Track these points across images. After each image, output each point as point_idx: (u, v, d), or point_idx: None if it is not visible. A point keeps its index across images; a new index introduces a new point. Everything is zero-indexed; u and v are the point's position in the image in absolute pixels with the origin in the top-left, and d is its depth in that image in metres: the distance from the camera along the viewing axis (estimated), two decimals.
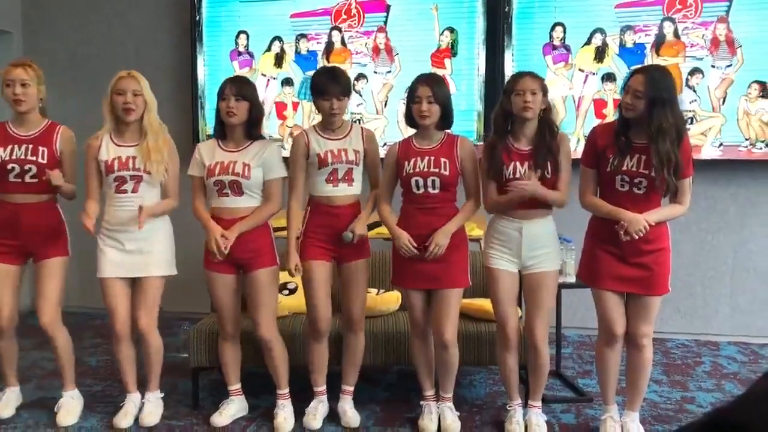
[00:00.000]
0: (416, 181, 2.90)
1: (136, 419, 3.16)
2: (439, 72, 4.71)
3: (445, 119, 2.95)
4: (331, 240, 3.03)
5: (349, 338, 3.16)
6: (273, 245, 3.10)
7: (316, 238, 3.04)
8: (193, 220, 3.08)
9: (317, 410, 3.14)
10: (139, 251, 3.07)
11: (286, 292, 3.54)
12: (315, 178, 3.05)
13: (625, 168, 2.75)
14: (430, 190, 2.90)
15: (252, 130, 3.03)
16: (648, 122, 2.67)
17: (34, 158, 3.03)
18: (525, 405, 3.11)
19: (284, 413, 3.11)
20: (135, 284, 3.11)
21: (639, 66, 2.90)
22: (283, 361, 3.12)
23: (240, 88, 2.96)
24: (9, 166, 3.01)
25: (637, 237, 2.69)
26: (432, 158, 2.91)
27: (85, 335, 4.67)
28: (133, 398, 3.22)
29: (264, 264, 3.03)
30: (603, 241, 2.84)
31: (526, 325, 3.00)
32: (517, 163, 2.86)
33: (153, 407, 3.21)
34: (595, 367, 3.12)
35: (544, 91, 2.87)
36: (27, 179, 3.03)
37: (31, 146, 3.04)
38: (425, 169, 2.89)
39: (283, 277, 3.55)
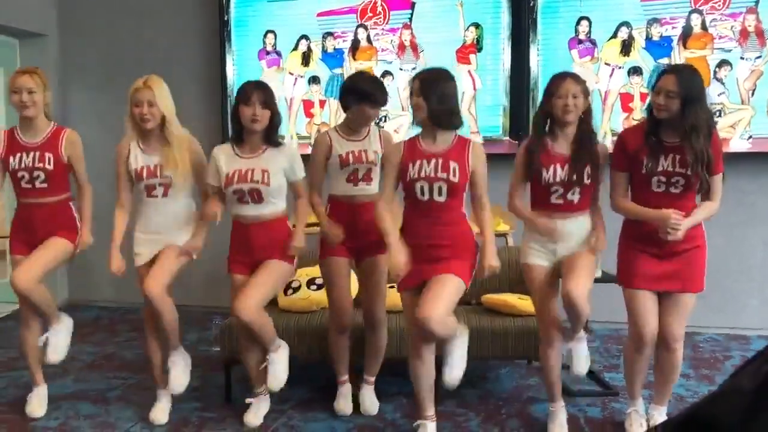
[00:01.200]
0: (421, 186, 2.70)
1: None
2: (464, 68, 4.75)
3: (439, 116, 2.70)
4: (351, 236, 3.09)
5: (371, 335, 3.23)
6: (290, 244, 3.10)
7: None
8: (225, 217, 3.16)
9: (347, 397, 3.25)
10: (164, 240, 3.14)
11: (314, 287, 3.60)
12: (336, 178, 3.12)
13: (661, 169, 2.74)
14: (436, 197, 2.70)
15: (270, 136, 3.04)
16: (681, 121, 2.67)
17: (41, 165, 3.16)
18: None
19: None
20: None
21: (666, 66, 2.90)
22: (268, 335, 3.08)
23: (266, 96, 2.98)
24: (19, 174, 3.17)
25: (676, 230, 2.68)
26: (440, 162, 2.71)
27: (120, 329, 4.80)
28: (165, 393, 3.29)
29: (280, 257, 3.05)
30: (637, 241, 2.84)
31: (562, 285, 2.86)
32: (558, 167, 2.83)
33: (181, 370, 3.22)
34: (623, 367, 3.10)
35: (586, 93, 2.85)
36: (37, 185, 3.17)
37: (38, 153, 3.16)
38: (432, 174, 2.70)
39: (313, 272, 3.63)
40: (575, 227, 2.90)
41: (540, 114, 2.94)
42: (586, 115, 2.87)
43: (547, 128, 2.89)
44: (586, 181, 2.82)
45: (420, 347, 2.79)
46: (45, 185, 3.18)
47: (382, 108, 3.07)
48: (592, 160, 2.84)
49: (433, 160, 2.71)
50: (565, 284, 2.82)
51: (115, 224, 3.16)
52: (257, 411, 3.17)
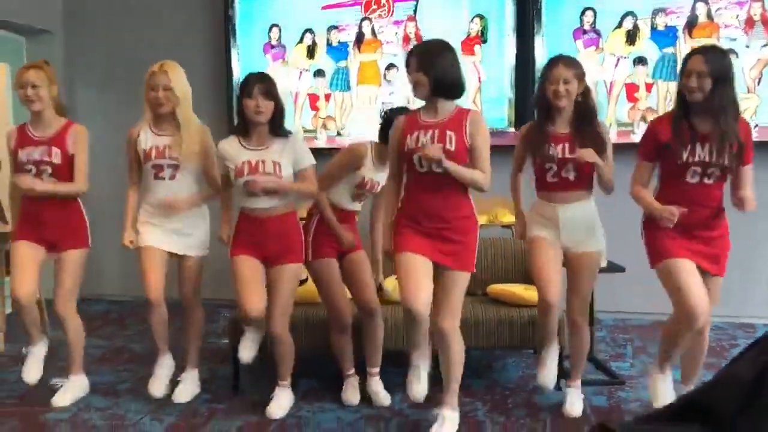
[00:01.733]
0: (419, 157, 2.65)
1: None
2: (469, 59, 4.75)
3: (443, 89, 2.68)
4: (335, 237, 3.21)
5: (369, 323, 3.27)
6: (301, 240, 3.15)
7: (326, 235, 3.19)
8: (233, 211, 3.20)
9: (354, 387, 3.31)
10: (179, 232, 3.24)
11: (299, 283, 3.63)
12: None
13: (698, 159, 2.68)
14: (434, 167, 2.62)
15: (276, 127, 3.06)
16: (710, 101, 2.62)
17: (48, 159, 3.19)
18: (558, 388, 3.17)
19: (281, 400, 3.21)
20: (177, 264, 3.31)
21: (694, 48, 2.79)
22: (290, 354, 3.18)
23: (268, 87, 3.00)
24: (27, 168, 3.20)
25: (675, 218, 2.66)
26: (437, 131, 2.67)
27: (129, 323, 4.85)
28: (165, 361, 3.38)
29: (291, 260, 3.09)
30: (664, 228, 2.76)
31: (566, 306, 3.01)
32: (552, 145, 2.88)
33: (189, 385, 3.38)
34: (661, 343, 2.95)
35: (579, 77, 2.87)
36: (45, 179, 3.20)
37: (46, 147, 3.20)
38: (428, 144, 2.65)
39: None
40: (577, 213, 2.92)
41: (537, 98, 2.98)
42: (584, 96, 2.90)
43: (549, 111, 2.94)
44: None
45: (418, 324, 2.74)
46: (53, 179, 3.21)
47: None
48: (592, 140, 2.85)
49: (431, 131, 2.67)
50: (569, 307, 3.00)
51: (128, 201, 3.28)
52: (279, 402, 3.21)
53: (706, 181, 2.71)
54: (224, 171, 3.11)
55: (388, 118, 3.04)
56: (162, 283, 3.24)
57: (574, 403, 3.08)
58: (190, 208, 3.23)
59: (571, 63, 2.89)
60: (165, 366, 3.40)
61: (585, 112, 2.91)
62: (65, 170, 3.23)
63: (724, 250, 2.82)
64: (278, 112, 3.05)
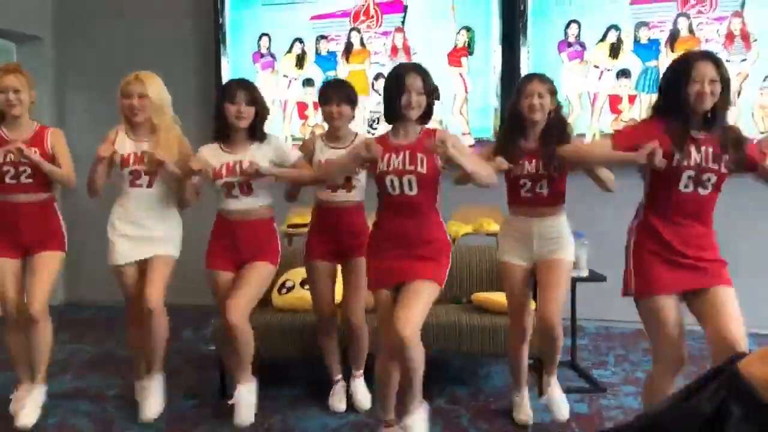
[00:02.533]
0: (391, 180, 2.65)
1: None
2: (456, 70, 4.83)
3: (428, 113, 2.74)
4: (334, 241, 3.22)
5: (350, 337, 3.34)
6: (277, 246, 3.18)
7: (321, 239, 3.24)
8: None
9: (341, 394, 3.35)
10: (148, 237, 3.22)
11: (308, 287, 3.66)
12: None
13: (693, 163, 2.47)
14: (406, 191, 2.64)
15: (254, 131, 3.11)
16: (713, 108, 2.49)
17: (27, 160, 3.17)
18: (540, 394, 3.22)
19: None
20: (146, 266, 3.24)
21: (696, 53, 2.66)
22: (248, 346, 3.09)
23: (250, 93, 3.07)
24: (5, 169, 3.17)
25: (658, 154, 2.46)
26: (408, 153, 2.66)
27: (116, 328, 4.84)
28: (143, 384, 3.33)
29: (266, 258, 3.12)
30: (651, 251, 2.54)
31: (538, 307, 3.00)
32: (526, 161, 2.93)
33: (155, 392, 3.29)
34: (644, 399, 2.74)
35: (552, 92, 2.94)
36: (23, 180, 3.20)
37: (27, 149, 3.18)
38: (400, 167, 2.64)
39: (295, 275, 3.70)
40: (550, 226, 2.97)
41: (510, 110, 3.02)
42: (555, 112, 2.96)
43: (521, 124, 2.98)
44: (554, 174, 2.92)
45: (389, 357, 2.73)
46: (30, 180, 3.20)
47: (339, 104, 3.14)
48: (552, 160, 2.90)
49: (402, 153, 2.66)
50: (541, 307, 2.94)
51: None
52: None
53: (700, 191, 2.50)
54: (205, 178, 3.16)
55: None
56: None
57: (555, 390, 3.12)
58: (172, 170, 3.15)
59: (545, 79, 2.97)
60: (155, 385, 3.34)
61: (555, 127, 2.95)
62: (41, 171, 3.20)
63: (719, 265, 2.53)
64: (258, 117, 3.10)
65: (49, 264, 3.25)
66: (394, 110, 2.67)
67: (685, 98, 2.45)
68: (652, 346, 2.61)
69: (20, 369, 3.30)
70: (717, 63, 2.48)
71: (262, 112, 3.11)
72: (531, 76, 3.01)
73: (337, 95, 3.17)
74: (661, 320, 2.49)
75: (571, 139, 3.00)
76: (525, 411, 3.17)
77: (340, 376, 3.39)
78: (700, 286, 2.49)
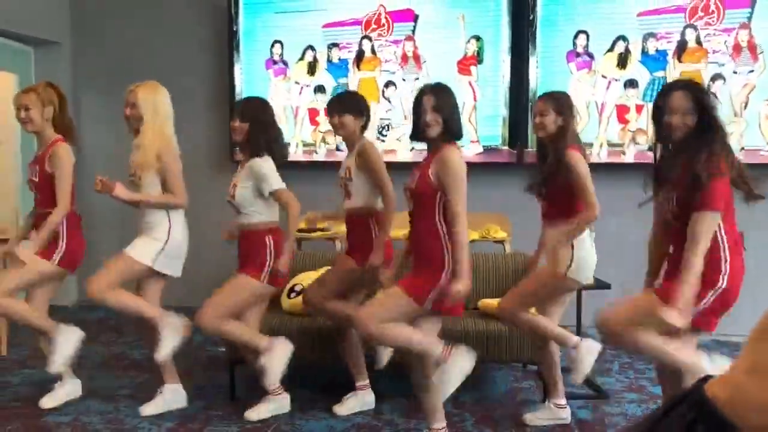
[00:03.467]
0: (407, 196, 2.83)
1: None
2: (465, 79, 4.89)
3: (449, 131, 2.73)
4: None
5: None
6: (265, 259, 3.18)
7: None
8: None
9: (356, 400, 3.41)
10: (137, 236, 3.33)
11: (294, 294, 3.71)
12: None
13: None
14: (409, 206, 2.80)
15: (253, 147, 3.19)
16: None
17: (32, 177, 3.41)
18: (544, 399, 3.27)
19: None
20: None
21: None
22: (241, 341, 3.26)
23: (241, 110, 3.22)
24: (29, 185, 3.46)
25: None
26: (417, 173, 2.77)
27: (127, 330, 4.93)
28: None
29: (247, 271, 3.19)
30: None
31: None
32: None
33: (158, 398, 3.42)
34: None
35: (557, 110, 2.99)
36: (36, 195, 3.43)
37: (36, 167, 3.40)
38: (409, 185, 2.79)
39: (315, 276, 3.75)
40: (550, 241, 3.05)
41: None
42: (563, 129, 2.99)
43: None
44: (538, 197, 3.08)
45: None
46: (38, 197, 3.41)
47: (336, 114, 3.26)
48: (552, 177, 2.96)
49: (416, 172, 2.78)
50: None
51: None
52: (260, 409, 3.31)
53: (674, 222, 2.53)
54: None
55: None
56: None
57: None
58: (127, 198, 3.24)
59: (547, 96, 3.08)
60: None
61: (555, 149, 2.98)
62: (45, 188, 3.35)
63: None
64: (253, 134, 3.17)
65: (28, 265, 3.32)
66: (415, 130, 2.77)
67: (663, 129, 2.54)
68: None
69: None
70: (689, 91, 2.48)
71: (254, 128, 3.16)
72: (540, 96, 3.16)
73: (335, 107, 3.30)
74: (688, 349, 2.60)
75: (567, 155, 2.95)
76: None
77: (362, 382, 3.41)
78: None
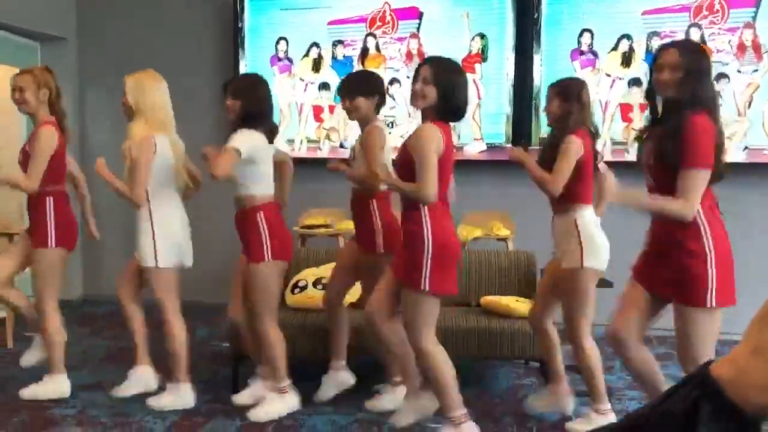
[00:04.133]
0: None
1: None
2: (470, 76, 4.88)
3: (448, 109, 2.71)
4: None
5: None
6: (262, 241, 3.13)
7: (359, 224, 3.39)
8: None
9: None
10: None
11: (320, 287, 3.74)
12: None
13: (644, 161, 2.57)
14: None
15: (244, 123, 3.12)
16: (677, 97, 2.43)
17: (20, 158, 3.43)
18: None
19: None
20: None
21: (668, 42, 2.79)
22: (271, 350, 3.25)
23: (232, 88, 3.20)
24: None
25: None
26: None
27: None
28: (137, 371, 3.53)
29: (251, 259, 3.17)
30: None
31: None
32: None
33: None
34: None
35: (563, 96, 3.00)
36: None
37: (23, 149, 3.43)
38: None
39: (319, 272, 3.79)
40: (560, 226, 3.06)
41: None
42: (568, 114, 2.99)
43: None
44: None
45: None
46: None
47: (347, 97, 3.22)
48: (551, 158, 2.97)
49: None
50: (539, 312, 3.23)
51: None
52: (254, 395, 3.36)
53: (652, 188, 2.52)
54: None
55: None
56: (124, 289, 3.43)
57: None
58: (104, 174, 3.24)
59: (557, 84, 3.10)
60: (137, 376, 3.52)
61: (558, 134, 3.03)
62: (25, 170, 3.37)
63: (690, 273, 2.42)
64: (246, 110, 3.12)
65: (36, 261, 3.41)
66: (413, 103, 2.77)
67: (652, 88, 2.48)
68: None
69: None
70: (681, 49, 2.42)
71: (248, 105, 3.13)
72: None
73: (345, 92, 3.25)
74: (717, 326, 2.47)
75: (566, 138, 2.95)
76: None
77: (337, 362, 3.46)
78: (670, 296, 2.52)
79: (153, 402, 3.37)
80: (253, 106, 3.14)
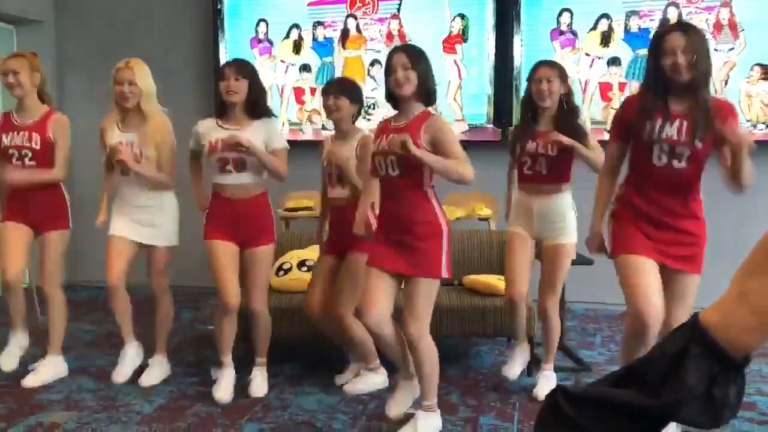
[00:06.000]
0: (379, 161, 2.70)
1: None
2: (450, 57, 4.91)
3: (426, 92, 2.70)
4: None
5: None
6: (273, 224, 3.31)
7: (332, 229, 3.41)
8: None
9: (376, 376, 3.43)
10: (148, 223, 3.40)
11: (305, 268, 3.77)
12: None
13: (665, 136, 2.51)
14: (390, 172, 2.66)
15: (254, 108, 3.18)
16: (695, 78, 2.47)
17: (29, 144, 3.37)
18: (530, 373, 3.36)
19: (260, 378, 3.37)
20: (147, 254, 3.48)
21: (667, 25, 2.81)
22: (267, 331, 3.36)
23: (238, 67, 3.16)
24: (10, 152, 3.38)
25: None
26: (395, 136, 2.61)
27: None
28: (128, 350, 3.56)
29: (263, 242, 3.24)
30: (629, 220, 2.63)
31: (538, 295, 3.26)
32: (533, 142, 3.12)
33: (155, 370, 3.53)
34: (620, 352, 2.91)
35: (562, 78, 3.11)
36: (26, 162, 3.39)
37: (27, 133, 3.38)
38: (386, 147, 2.65)
39: (304, 254, 3.81)
40: (551, 206, 3.13)
41: (524, 98, 3.24)
42: (567, 96, 3.12)
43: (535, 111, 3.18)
44: (551, 152, 3.07)
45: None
46: (33, 163, 3.38)
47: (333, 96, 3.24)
48: (574, 131, 3.05)
49: (392, 135, 2.64)
50: (539, 294, 3.21)
51: (104, 187, 3.49)
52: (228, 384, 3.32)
53: (675, 163, 2.51)
54: (196, 147, 3.28)
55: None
56: (122, 270, 3.39)
57: (544, 388, 3.26)
58: (141, 172, 3.28)
59: (553, 64, 3.18)
60: (127, 356, 3.56)
61: (568, 112, 3.12)
62: (45, 156, 3.39)
63: (698, 245, 2.60)
64: (254, 93, 3.16)
65: (53, 243, 3.46)
66: (388, 91, 2.72)
67: (661, 71, 2.47)
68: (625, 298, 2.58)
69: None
70: (687, 33, 2.45)
71: (255, 88, 3.17)
72: (539, 63, 3.19)
73: (333, 89, 3.26)
74: (627, 271, 2.54)
75: (582, 125, 3.17)
76: (512, 367, 3.32)
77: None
78: (675, 267, 2.57)
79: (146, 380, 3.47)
80: (258, 89, 3.22)
